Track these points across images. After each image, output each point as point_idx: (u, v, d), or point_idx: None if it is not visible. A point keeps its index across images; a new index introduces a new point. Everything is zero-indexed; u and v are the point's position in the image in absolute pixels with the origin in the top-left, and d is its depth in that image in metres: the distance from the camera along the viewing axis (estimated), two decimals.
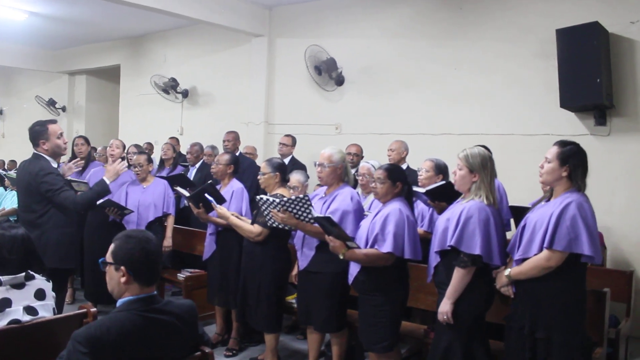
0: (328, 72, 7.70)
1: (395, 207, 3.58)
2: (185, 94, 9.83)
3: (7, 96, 14.70)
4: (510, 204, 4.50)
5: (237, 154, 6.83)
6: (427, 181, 4.46)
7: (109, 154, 5.92)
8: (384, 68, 7.45)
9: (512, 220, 4.39)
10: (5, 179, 7.91)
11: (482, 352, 3.31)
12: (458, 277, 3.20)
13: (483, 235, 3.15)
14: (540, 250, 3.00)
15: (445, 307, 3.24)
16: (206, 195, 4.62)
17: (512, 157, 5.85)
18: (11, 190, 7.60)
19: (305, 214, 3.90)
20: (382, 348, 3.63)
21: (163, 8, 7.40)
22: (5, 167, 11.30)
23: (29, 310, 2.68)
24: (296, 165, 6.76)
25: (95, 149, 7.21)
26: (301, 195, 3.89)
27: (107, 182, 4.48)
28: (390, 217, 3.54)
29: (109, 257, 2.24)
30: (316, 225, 3.88)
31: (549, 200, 3.17)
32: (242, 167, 5.47)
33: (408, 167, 5.79)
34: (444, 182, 4.22)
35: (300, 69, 7.86)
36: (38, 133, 4.30)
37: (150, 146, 8.64)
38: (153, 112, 10.53)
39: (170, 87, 9.78)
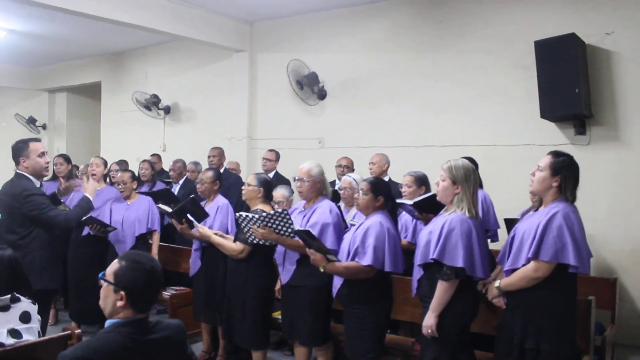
0: (310, 87, 7.73)
1: (376, 220, 3.60)
2: (167, 110, 9.79)
3: None
4: (504, 217, 4.54)
5: (222, 169, 6.81)
6: (411, 196, 4.47)
7: (89, 173, 5.83)
8: (365, 81, 7.50)
9: (500, 231, 4.43)
10: None
11: None
12: (441, 290, 3.19)
13: (466, 247, 3.14)
14: (528, 261, 3.02)
15: (429, 321, 3.22)
16: (188, 215, 4.60)
17: (493, 167, 5.90)
18: None
19: (285, 228, 3.90)
20: None
21: (143, 24, 7.39)
22: None
23: (13, 333, 2.63)
24: (280, 180, 6.74)
25: (77, 167, 7.15)
26: (279, 210, 3.90)
27: (90, 198, 4.47)
28: (371, 230, 3.56)
29: (109, 276, 2.16)
30: (296, 239, 3.88)
31: (537, 209, 3.18)
32: (228, 182, 5.45)
33: (390, 179, 5.81)
34: (431, 193, 4.24)
35: (282, 83, 7.89)
36: (18, 150, 4.22)
37: (155, 158, 8.53)
38: (135, 128, 10.47)
39: (152, 103, 9.74)
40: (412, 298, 3.56)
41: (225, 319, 4.54)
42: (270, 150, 7.24)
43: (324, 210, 4.01)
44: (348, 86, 7.64)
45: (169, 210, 4.84)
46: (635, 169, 5.63)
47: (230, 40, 8.45)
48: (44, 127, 12.57)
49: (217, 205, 4.85)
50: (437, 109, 6.87)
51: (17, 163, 4.25)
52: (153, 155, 8.53)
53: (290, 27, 8.24)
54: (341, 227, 4.04)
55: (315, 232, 3.73)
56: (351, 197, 4.62)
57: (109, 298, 2.16)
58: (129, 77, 10.71)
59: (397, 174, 5.87)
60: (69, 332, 2.89)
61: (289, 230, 3.89)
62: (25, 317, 2.71)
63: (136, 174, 5.93)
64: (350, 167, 6.28)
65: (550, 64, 5.56)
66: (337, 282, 3.73)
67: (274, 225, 3.90)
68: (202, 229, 4.54)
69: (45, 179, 4.82)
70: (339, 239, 3.92)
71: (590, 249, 3.15)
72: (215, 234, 4.59)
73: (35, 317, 2.78)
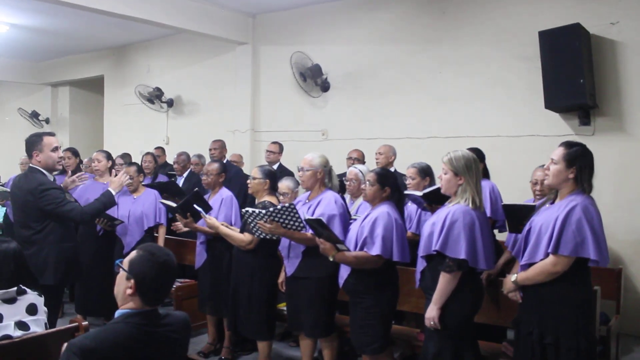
0: (313, 79, 7.72)
1: (384, 210, 3.61)
2: (170, 103, 9.79)
3: None
4: (502, 204, 4.51)
5: (224, 162, 6.81)
6: (416, 187, 4.46)
7: (93, 168, 5.84)
8: (368, 73, 7.48)
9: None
10: None
11: (471, 356, 3.30)
12: (444, 282, 3.18)
13: (468, 239, 3.12)
14: (546, 255, 2.96)
15: (431, 313, 3.22)
16: (194, 205, 4.59)
17: (498, 158, 5.88)
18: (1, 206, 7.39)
19: (292, 222, 3.90)
20: (373, 350, 3.66)
21: (146, 18, 7.38)
22: None
23: (21, 325, 2.65)
24: (284, 172, 6.75)
25: (81, 160, 7.15)
26: (287, 204, 3.90)
27: (113, 193, 4.46)
28: (379, 221, 3.57)
29: (125, 263, 2.22)
30: (304, 232, 3.89)
31: (553, 202, 3.12)
32: (229, 175, 5.45)
33: (396, 170, 5.80)
34: (438, 186, 4.23)
35: (285, 75, 7.88)
36: (32, 144, 4.17)
37: (158, 151, 8.49)
38: (138, 122, 10.48)
39: (155, 96, 9.74)
40: (417, 289, 3.56)
41: (231, 310, 4.56)
42: (274, 143, 7.24)
43: (329, 201, 4.01)
44: (351, 78, 7.63)
45: (173, 205, 4.84)
46: None
47: (233, 33, 8.43)
48: (47, 121, 12.56)
49: (222, 198, 4.85)
50: (441, 100, 6.86)
51: (30, 156, 4.22)
52: (157, 148, 8.53)
53: (293, 19, 8.22)
54: (347, 218, 4.05)
55: None
56: (357, 188, 4.62)
57: (121, 285, 2.21)
58: (131, 70, 10.70)
59: (401, 166, 5.86)
60: (76, 324, 2.91)
61: (297, 223, 3.88)
62: (32, 309, 2.73)
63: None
64: (361, 160, 6.25)
65: (555, 54, 5.53)
66: (344, 272, 3.74)
67: (281, 220, 3.90)
68: (209, 219, 4.53)
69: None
70: (344, 230, 3.92)
71: None
72: (222, 224, 4.59)
73: (42, 309, 2.80)
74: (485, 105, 6.53)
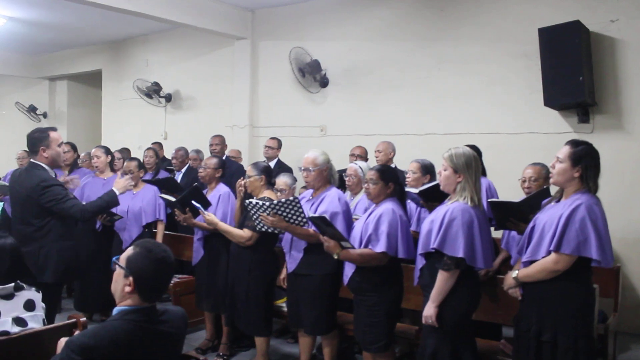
0: (312, 74, 7.70)
1: (388, 207, 3.60)
2: (168, 98, 9.76)
3: None
4: (488, 200, 4.49)
5: (224, 157, 6.80)
6: (414, 182, 4.46)
7: (93, 164, 5.82)
8: (367, 69, 7.46)
9: None
10: None
11: (468, 354, 3.30)
12: (441, 280, 3.17)
13: (466, 237, 3.11)
14: (548, 252, 2.95)
15: (429, 311, 3.21)
16: (193, 203, 4.58)
17: (497, 156, 5.88)
18: None
19: (295, 216, 3.88)
20: (378, 348, 3.65)
21: (144, 12, 7.34)
22: None
23: (18, 321, 2.64)
24: (282, 167, 6.74)
25: (78, 155, 7.13)
26: (291, 198, 3.88)
27: (117, 193, 4.43)
28: (384, 217, 3.55)
29: (122, 260, 2.20)
30: (306, 227, 3.87)
31: (559, 200, 3.10)
32: (230, 171, 5.43)
33: (395, 167, 5.80)
34: (436, 182, 4.23)
35: (284, 71, 7.86)
36: (38, 140, 4.09)
37: (156, 146, 8.43)
38: (136, 116, 10.43)
39: (153, 91, 9.70)
40: (416, 286, 3.55)
41: (228, 306, 4.56)
42: (272, 138, 7.23)
43: (333, 199, 4.00)
44: (350, 74, 7.61)
45: (172, 199, 4.83)
46: (639, 157, 5.61)
47: (232, 28, 8.40)
48: (44, 115, 12.50)
49: (219, 194, 4.84)
50: (440, 97, 6.85)
51: (35, 153, 4.12)
52: (154, 143, 8.50)
53: (292, 14, 8.19)
54: (350, 215, 4.04)
55: None
56: (356, 184, 4.61)
57: (119, 282, 2.19)
58: (130, 65, 10.65)
59: (399, 163, 5.87)
60: (74, 320, 2.90)
61: (299, 218, 3.87)
62: (29, 305, 2.72)
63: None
64: (363, 157, 6.24)
65: (554, 52, 5.53)
66: (349, 269, 3.73)
67: (284, 213, 3.88)
68: (208, 215, 4.52)
69: None
70: (348, 227, 3.91)
71: None
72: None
73: (40, 305, 2.79)
74: (484, 102, 6.52)
